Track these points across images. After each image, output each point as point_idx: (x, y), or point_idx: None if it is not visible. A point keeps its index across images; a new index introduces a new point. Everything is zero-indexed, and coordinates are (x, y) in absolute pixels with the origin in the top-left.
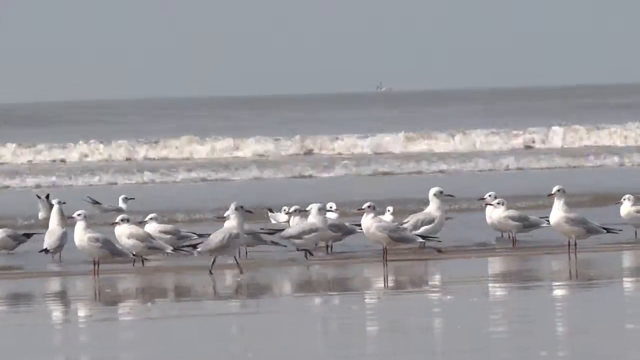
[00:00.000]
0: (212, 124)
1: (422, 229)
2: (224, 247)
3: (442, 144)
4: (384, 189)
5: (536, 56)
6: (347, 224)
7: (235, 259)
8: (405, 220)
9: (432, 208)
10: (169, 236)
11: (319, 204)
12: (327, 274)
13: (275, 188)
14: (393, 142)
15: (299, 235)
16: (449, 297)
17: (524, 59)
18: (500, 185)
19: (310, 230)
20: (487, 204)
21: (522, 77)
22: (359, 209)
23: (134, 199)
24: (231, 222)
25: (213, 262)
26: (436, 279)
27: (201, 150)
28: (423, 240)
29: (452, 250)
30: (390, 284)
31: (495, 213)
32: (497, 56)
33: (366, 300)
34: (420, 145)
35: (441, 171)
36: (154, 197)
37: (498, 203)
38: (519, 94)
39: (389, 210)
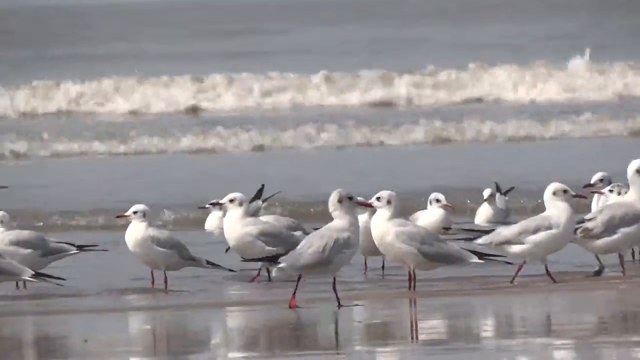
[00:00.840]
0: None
1: (621, 231)
2: (324, 261)
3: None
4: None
5: None
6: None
7: (334, 286)
8: (590, 217)
9: (634, 195)
10: (27, 250)
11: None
12: (304, 317)
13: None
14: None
15: (517, 238)
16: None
17: None
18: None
19: (541, 228)
20: (594, 192)
21: None
22: (361, 204)
23: (6, 187)
24: (337, 222)
25: (297, 285)
26: (500, 327)
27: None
28: (481, 261)
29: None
30: (423, 334)
31: None
32: None
33: None
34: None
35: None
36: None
37: (610, 191)
38: None
39: (437, 201)
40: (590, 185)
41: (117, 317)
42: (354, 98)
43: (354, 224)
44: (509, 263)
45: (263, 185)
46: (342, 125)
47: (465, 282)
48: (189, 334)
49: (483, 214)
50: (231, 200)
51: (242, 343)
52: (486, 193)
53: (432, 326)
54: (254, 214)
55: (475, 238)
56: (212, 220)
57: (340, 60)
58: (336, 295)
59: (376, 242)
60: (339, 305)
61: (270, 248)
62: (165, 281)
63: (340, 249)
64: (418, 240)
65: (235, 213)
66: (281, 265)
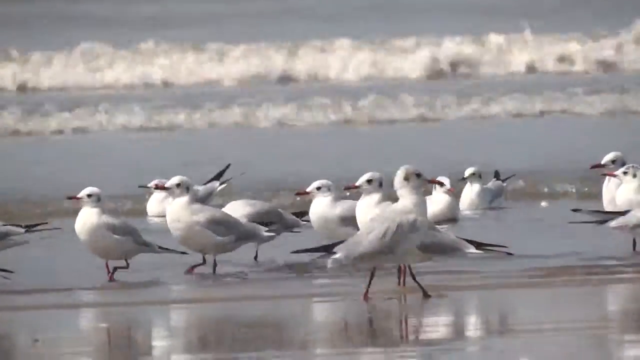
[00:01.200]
0: None
1: None
2: (385, 248)
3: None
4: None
5: None
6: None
7: (412, 276)
8: None
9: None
10: None
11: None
12: (281, 315)
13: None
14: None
15: None
16: None
17: None
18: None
19: None
20: (605, 175)
21: None
22: (348, 187)
23: None
24: (402, 202)
25: (370, 279)
26: (496, 325)
27: None
28: (479, 252)
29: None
30: (413, 334)
31: (623, 193)
32: None
33: None
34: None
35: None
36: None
37: (625, 173)
38: None
39: (442, 185)
40: (600, 165)
41: (70, 314)
42: (359, 71)
43: (421, 204)
44: (510, 254)
45: (228, 166)
46: (338, 100)
47: (460, 276)
48: (148, 332)
49: (467, 197)
50: (177, 185)
51: (203, 342)
52: (467, 172)
53: (424, 325)
54: (207, 196)
55: (606, 220)
56: (153, 204)
57: (339, 26)
58: (419, 285)
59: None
60: (426, 296)
61: (221, 238)
62: (113, 272)
63: (405, 234)
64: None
65: (181, 200)
66: (336, 255)
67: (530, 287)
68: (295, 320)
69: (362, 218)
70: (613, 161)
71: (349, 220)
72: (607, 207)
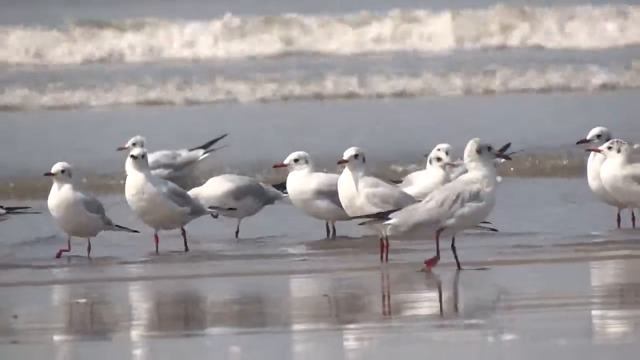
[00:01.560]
0: None
1: None
2: (442, 216)
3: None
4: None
5: None
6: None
7: (452, 246)
8: None
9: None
10: None
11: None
12: (261, 290)
13: None
14: None
15: None
16: (510, 337)
17: None
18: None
19: None
20: (590, 150)
21: None
22: (340, 162)
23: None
24: (471, 173)
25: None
26: (481, 302)
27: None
28: None
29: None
30: (397, 309)
31: (607, 168)
32: None
33: (346, 344)
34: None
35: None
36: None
37: (609, 148)
38: None
39: (438, 159)
40: (585, 141)
41: (49, 290)
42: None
43: (489, 176)
44: (494, 230)
45: (223, 136)
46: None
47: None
48: (125, 308)
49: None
50: (143, 156)
51: (183, 317)
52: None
53: (406, 300)
54: (188, 163)
55: None
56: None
57: None
58: (455, 257)
59: (344, 205)
60: (459, 268)
61: (181, 208)
62: (89, 248)
63: (464, 202)
64: (392, 203)
65: (142, 173)
66: (391, 221)
67: (515, 264)
68: (275, 296)
69: (344, 192)
70: (598, 136)
71: (325, 194)
72: (592, 183)
